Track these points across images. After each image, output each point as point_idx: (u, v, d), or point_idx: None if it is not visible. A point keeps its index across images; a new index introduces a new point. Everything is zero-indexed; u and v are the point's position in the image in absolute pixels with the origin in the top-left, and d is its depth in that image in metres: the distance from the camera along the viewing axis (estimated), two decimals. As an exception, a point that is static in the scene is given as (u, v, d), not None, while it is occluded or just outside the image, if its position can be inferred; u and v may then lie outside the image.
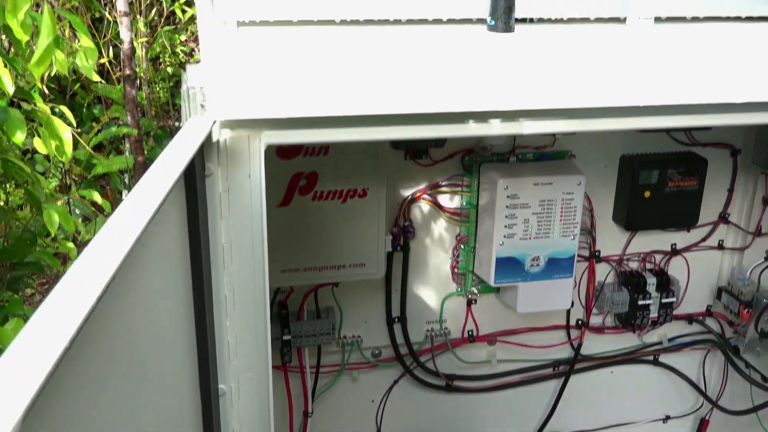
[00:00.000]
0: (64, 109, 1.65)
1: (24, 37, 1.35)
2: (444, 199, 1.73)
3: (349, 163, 1.49)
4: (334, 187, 1.50)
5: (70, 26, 2.98)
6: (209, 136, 0.97)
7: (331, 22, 1.49)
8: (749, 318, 1.80)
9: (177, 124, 3.85)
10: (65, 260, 2.51)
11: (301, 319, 1.69)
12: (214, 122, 0.96)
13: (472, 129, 1.09)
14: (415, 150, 1.65)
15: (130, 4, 3.46)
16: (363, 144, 1.49)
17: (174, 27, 3.92)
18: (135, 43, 3.46)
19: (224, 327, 1.08)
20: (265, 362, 1.10)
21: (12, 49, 1.77)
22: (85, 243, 2.22)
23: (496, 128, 1.09)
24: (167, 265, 0.90)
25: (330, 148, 1.47)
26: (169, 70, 3.92)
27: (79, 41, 1.68)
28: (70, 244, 1.87)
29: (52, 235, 1.75)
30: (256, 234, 1.05)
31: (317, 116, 0.98)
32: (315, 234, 1.53)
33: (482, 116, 1.07)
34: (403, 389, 1.87)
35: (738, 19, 1.71)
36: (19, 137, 1.57)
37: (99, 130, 3.48)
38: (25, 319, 1.46)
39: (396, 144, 1.62)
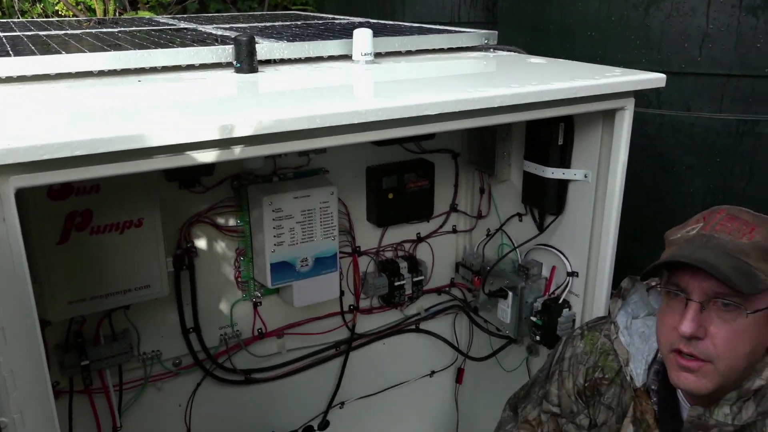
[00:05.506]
0: None
1: None
2: (221, 220, 1.69)
3: (121, 197, 1.40)
4: (110, 220, 1.41)
5: None
6: (-46, 186, 0.87)
7: (90, 74, 1.40)
8: (480, 283, 1.93)
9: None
10: None
11: (98, 343, 1.56)
12: (-44, 172, 0.86)
13: (207, 156, 1.05)
14: (187, 179, 1.59)
15: None
16: (130, 178, 1.41)
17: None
18: None
19: (-2, 363, 0.97)
20: (45, 390, 1.00)
21: None
22: None
23: (237, 152, 1.06)
24: None
25: (101, 185, 1.38)
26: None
27: None
28: None
29: None
30: (19, 273, 0.95)
31: (64, 157, 0.90)
32: (97, 265, 1.42)
33: (226, 143, 1.04)
34: (207, 390, 1.80)
35: (442, 50, 1.84)
36: None
37: None
38: None
39: (169, 176, 1.55)
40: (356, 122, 1.11)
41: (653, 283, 1.27)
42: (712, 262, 1.06)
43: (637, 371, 1.27)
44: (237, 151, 1.06)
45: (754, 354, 1.09)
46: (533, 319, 1.75)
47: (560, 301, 1.70)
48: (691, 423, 1.15)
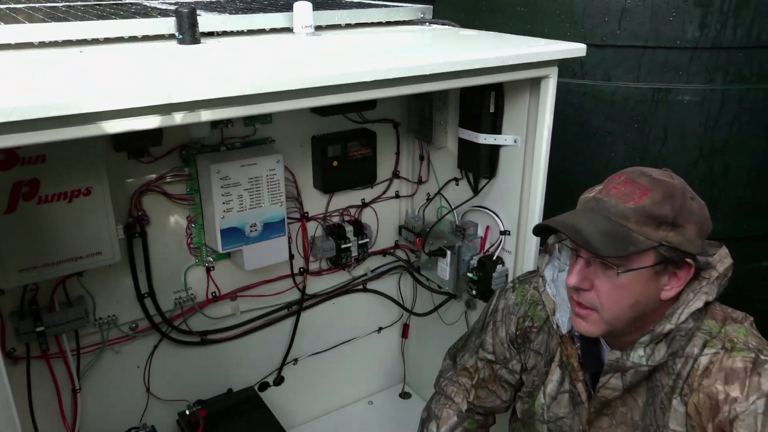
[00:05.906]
0: None
1: None
2: (171, 188, 1.63)
3: (69, 167, 1.34)
4: (58, 190, 1.34)
5: None
6: None
7: (30, 45, 1.33)
8: (421, 244, 1.93)
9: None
10: None
11: (53, 310, 1.51)
12: None
13: (151, 122, 1.00)
14: (135, 150, 1.53)
15: None
16: (77, 148, 1.34)
17: None
18: None
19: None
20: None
21: None
22: None
23: (179, 118, 1.02)
24: None
25: (47, 155, 1.31)
26: None
27: None
28: None
29: None
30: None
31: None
32: (47, 233, 1.36)
33: (165, 109, 0.99)
34: (164, 351, 1.76)
35: (380, 23, 1.81)
36: None
37: None
38: None
39: (117, 146, 1.49)
40: (295, 88, 1.08)
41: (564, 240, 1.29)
42: (579, 227, 1.07)
43: (563, 319, 1.29)
44: (178, 118, 1.01)
45: (638, 306, 1.11)
46: (470, 275, 1.76)
47: (494, 258, 1.72)
48: (610, 366, 1.18)
